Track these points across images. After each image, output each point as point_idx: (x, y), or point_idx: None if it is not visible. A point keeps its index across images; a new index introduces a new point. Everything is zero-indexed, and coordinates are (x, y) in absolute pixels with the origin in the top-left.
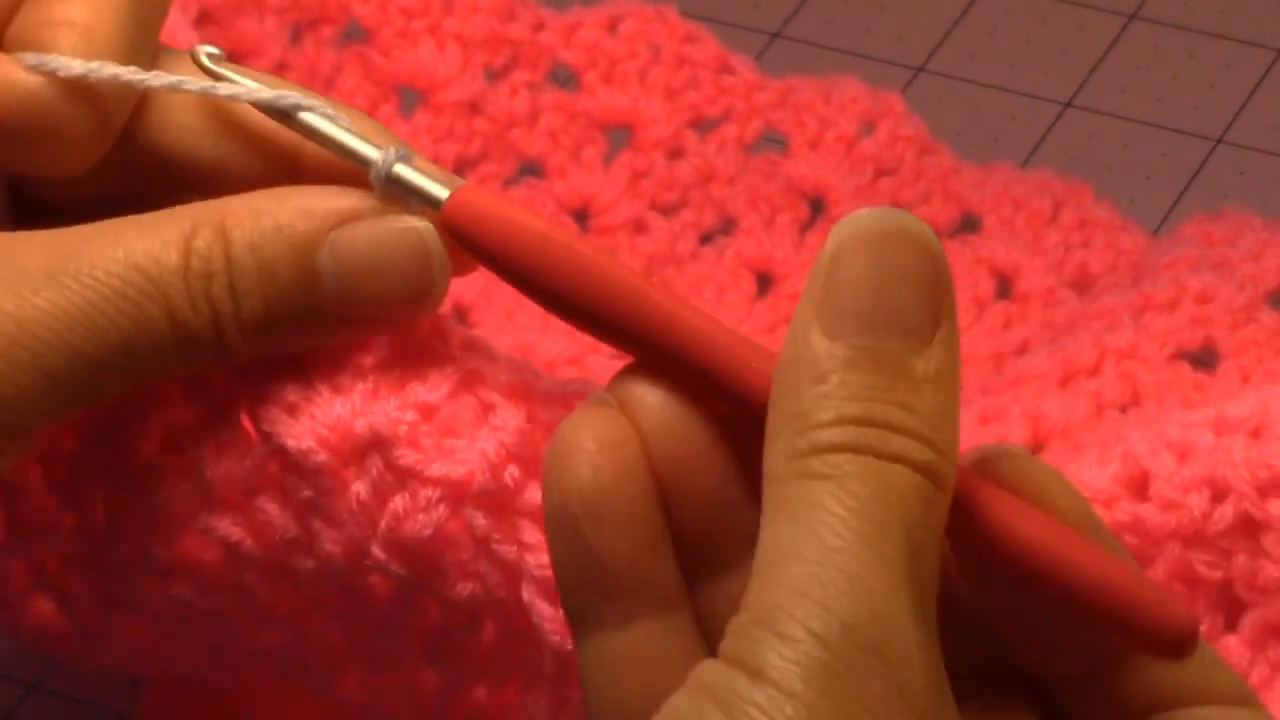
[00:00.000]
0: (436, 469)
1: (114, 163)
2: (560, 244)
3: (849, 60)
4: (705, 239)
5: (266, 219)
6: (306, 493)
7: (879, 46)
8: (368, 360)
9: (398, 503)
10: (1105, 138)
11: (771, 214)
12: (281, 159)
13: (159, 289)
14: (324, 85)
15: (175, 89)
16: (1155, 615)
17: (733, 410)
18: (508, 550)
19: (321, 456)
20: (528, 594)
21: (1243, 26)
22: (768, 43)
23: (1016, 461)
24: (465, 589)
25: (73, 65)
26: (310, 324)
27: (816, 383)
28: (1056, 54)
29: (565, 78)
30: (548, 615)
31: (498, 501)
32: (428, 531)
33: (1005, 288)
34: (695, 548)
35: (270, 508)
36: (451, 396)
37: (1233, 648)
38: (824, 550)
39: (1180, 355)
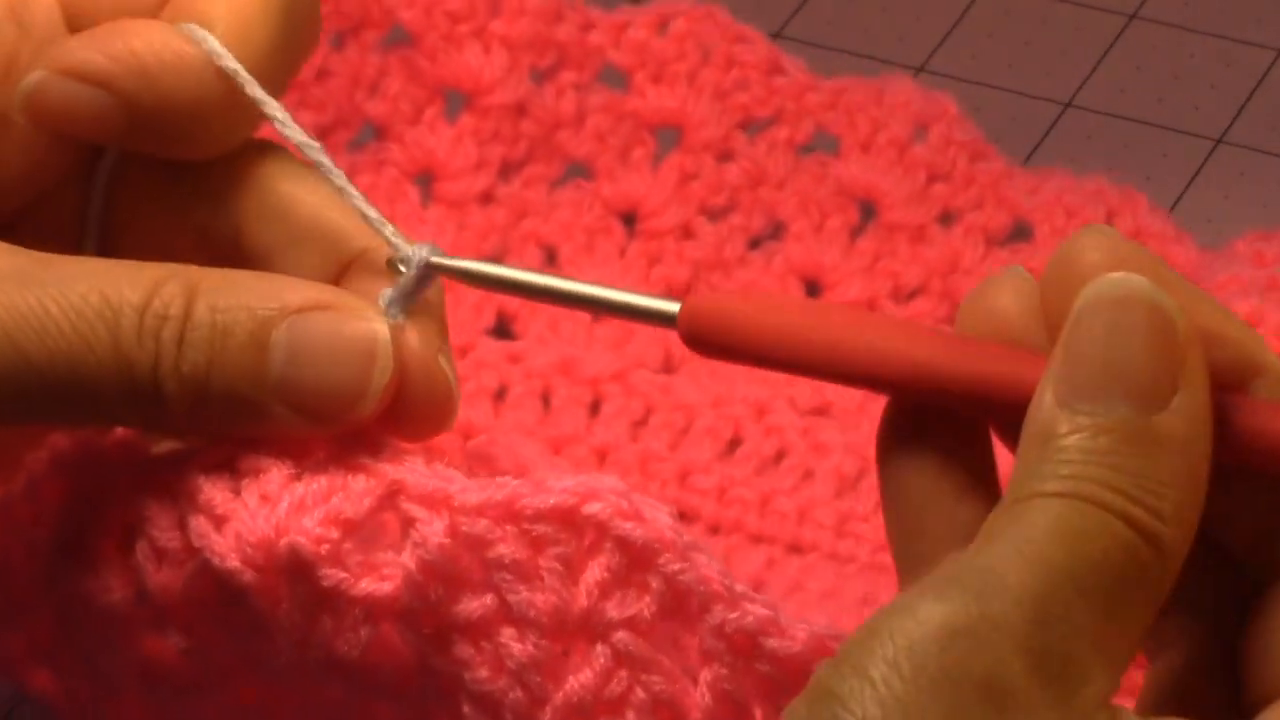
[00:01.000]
0: (362, 588)
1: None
2: (809, 329)
3: (849, 60)
4: (754, 243)
5: (237, 290)
6: (240, 610)
7: (879, 46)
8: (295, 468)
9: (325, 622)
10: (1105, 138)
11: (821, 218)
12: (330, 268)
13: (113, 314)
14: (368, 90)
15: (283, 127)
16: None
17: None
18: (444, 663)
19: (248, 576)
20: (468, 709)
21: (1243, 26)
22: None
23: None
24: (412, 694)
25: (225, 56)
26: (248, 399)
27: (1041, 446)
28: (1056, 54)
29: (615, 78)
30: None
31: (426, 618)
32: (357, 652)
33: None
34: None
35: (210, 621)
36: (374, 510)
37: None
38: (976, 563)
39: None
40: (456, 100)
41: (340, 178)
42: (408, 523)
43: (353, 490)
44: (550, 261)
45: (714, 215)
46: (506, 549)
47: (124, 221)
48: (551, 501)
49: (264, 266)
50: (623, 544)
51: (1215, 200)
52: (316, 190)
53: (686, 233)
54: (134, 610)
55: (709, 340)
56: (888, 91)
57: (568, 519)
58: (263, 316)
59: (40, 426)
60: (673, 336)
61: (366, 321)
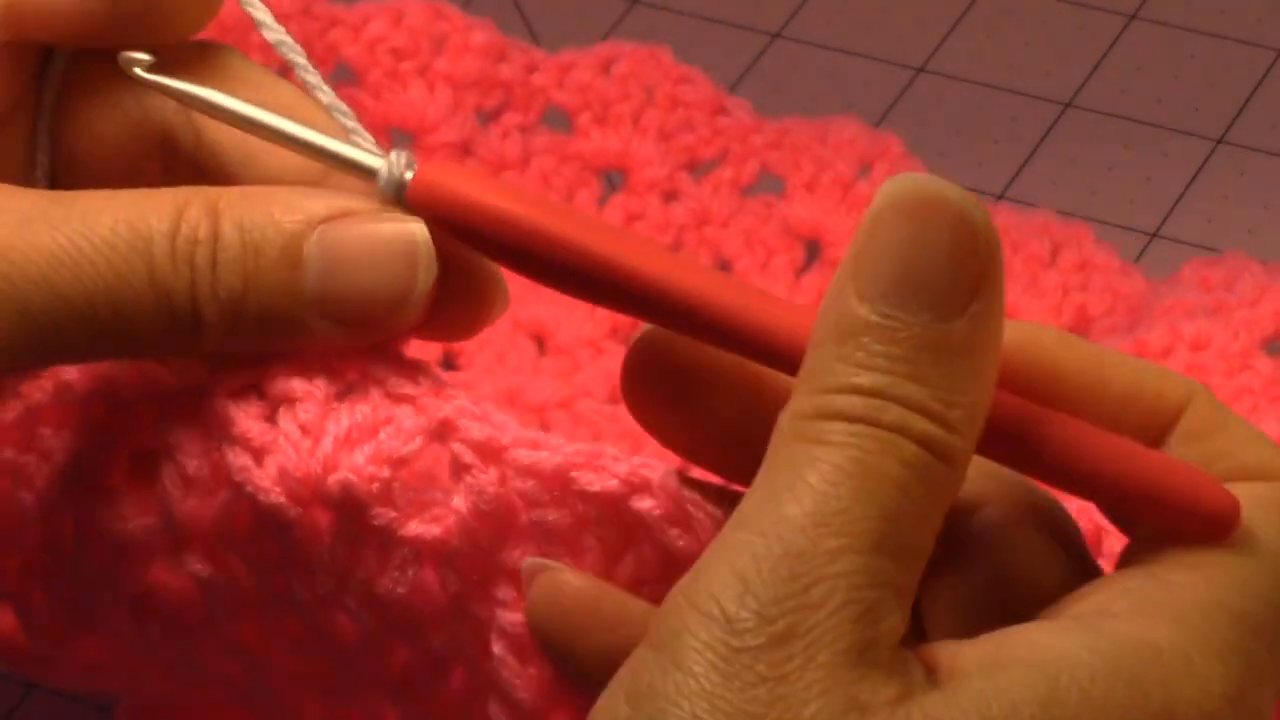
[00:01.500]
0: (411, 529)
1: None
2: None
3: (849, 60)
4: None
5: (259, 206)
6: (277, 542)
7: (879, 46)
8: (327, 391)
9: (371, 560)
10: (1105, 138)
11: (767, 257)
12: (306, 172)
13: (145, 245)
14: None
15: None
16: (1201, 503)
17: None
18: (481, 607)
19: (292, 512)
20: (499, 649)
21: (1243, 26)
22: (768, 43)
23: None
24: (436, 640)
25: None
26: (286, 316)
27: (839, 344)
28: (1056, 54)
29: (559, 119)
30: (516, 672)
31: (472, 562)
32: (401, 590)
33: None
34: None
35: (239, 550)
36: (424, 448)
37: None
38: (776, 520)
39: None
40: (401, 139)
41: (312, 74)
42: (461, 467)
43: (402, 427)
44: None
45: None
46: (553, 515)
47: (72, 149)
48: (600, 488)
49: (230, 177)
50: (664, 549)
51: (1215, 200)
52: (285, 92)
53: None
54: (149, 539)
55: (435, 207)
56: (832, 131)
57: (615, 508)
58: (291, 230)
59: (78, 363)
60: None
61: (401, 222)
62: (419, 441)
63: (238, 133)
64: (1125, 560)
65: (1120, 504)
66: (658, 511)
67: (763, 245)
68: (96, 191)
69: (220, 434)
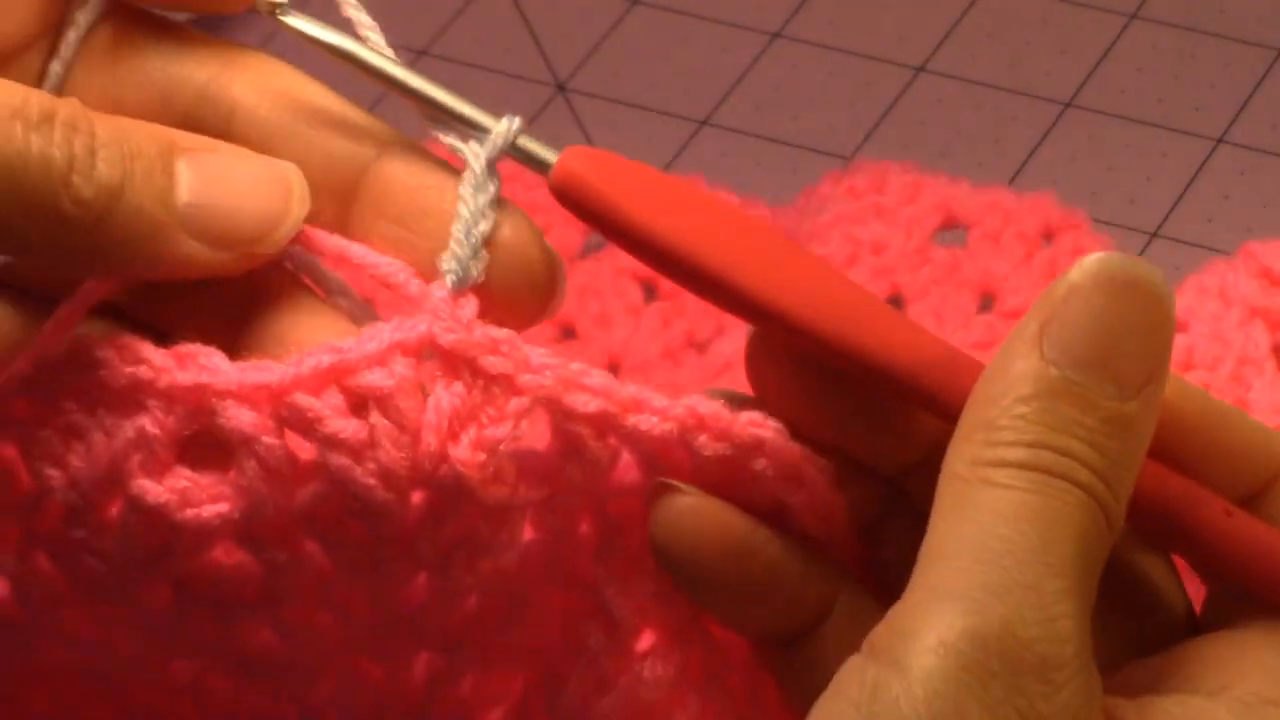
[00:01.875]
0: (520, 497)
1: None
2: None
3: (849, 60)
4: None
5: (129, 122)
6: (367, 525)
7: (879, 46)
8: (423, 377)
9: (481, 532)
10: (1105, 138)
11: None
12: (342, 169)
13: (24, 112)
14: None
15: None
16: None
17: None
18: (576, 546)
19: (388, 496)
20: (600, 571)
21: (1243, 26)
22: (768, 43)
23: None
24: (520, 586)
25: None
26: (154, 222)
27: (1018, 401)
28: (1056, 54)
29: None
30: (620, 589)
31: (572, 506)
32: (510, 553)
33: (650, 290)
34: None
35: (320, 536)
36: (526, 426)
37: None
38: (992, 552)
39: None
40: None
41: (381, 48)
42: (569, 437)
43: (505, 411)
44: None
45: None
46: (664, 465)
47: (94, 81)
48: (712, 452)
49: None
50: (778, 503)
51: (1215, 200)
52: (321, 87)
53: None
54: (215, 522)
55: (575, 197)
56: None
57: (730, 465)
58: (165, 144)
59: None
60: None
61: (273, 161)
62: (524, 426)
63: (275, 114)
64: (1216, 612)
65: (1230, 574)
66: (771, 471)
67: None
68: None
69: (309, 428)
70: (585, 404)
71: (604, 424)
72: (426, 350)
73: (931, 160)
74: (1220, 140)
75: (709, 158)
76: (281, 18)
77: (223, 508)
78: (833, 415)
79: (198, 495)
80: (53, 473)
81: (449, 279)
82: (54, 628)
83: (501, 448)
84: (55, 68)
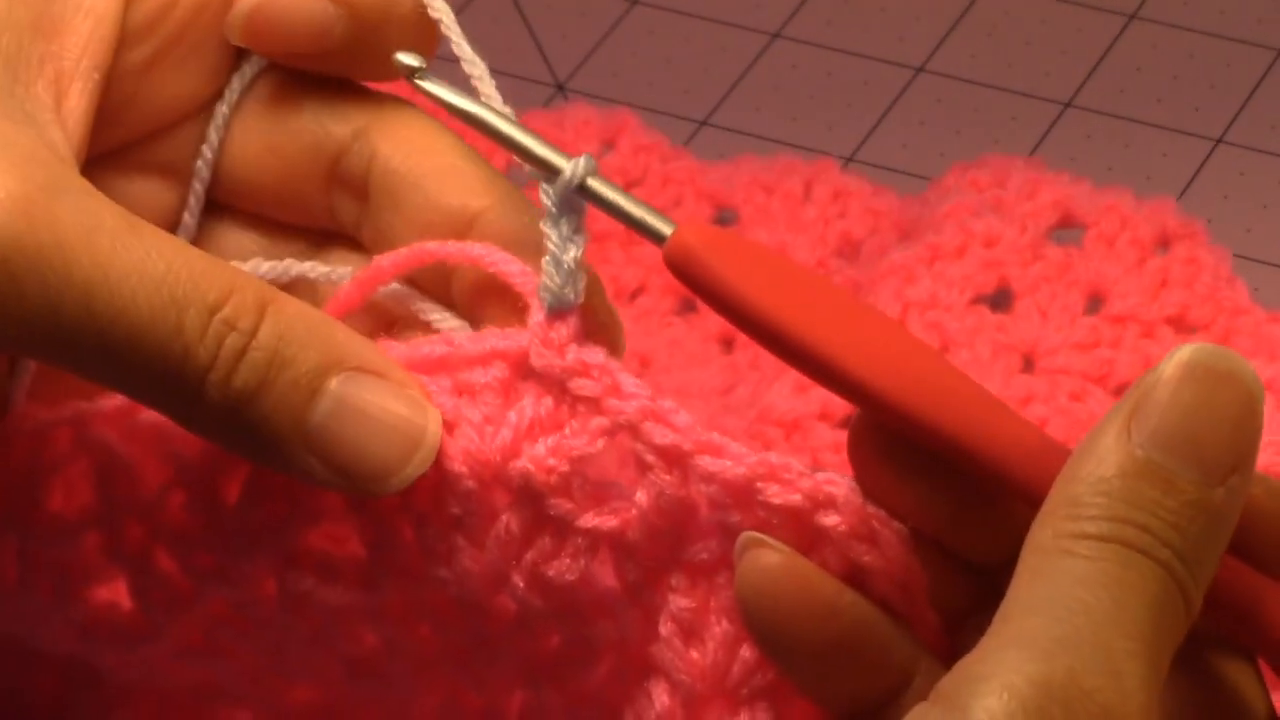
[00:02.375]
0: (588, 520)
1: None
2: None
3: (849, 60)
4: None
5: (303, 325)
6: (454, 510)
7: (879, 46)
8: (518, 384)
9: (546, 545)
10: (1105, 138)
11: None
12: (453, 220)
13: (184, 303)
14: None
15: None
16: None
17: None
18: (653, 593)
19: (471, 484)
20: (666, 630)
21: (1243, 26)
22: (767, 43)
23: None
24: (597, 626)
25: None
26: (280, 435)
27: (1103, 479)
28: (1056, 54)
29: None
30: (681, 654)
31: (649, 552)
32: (571, 577)
33: None
34: None
35: (414, 513)
36: (606, 448)
37: None
38: (1067, 610)
39: (979, 299)
40: None
41: (493, 97)
42: (644, 466)
43: (587, 425)
44: None
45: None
46: (736, 517)
47: (243, 155)
48: (783, 501)
49: (392, 209)
50: (849, 563)
51: (1215, 200)
52: (451, 138)
53: None
54: (324, 494)
55: (691, 273)
56: (568, 116)
57: (799, 520)
58: (323, 360)
59: (86, 379)
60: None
61: (421, 408)
62: (600, 444)
63: (405, 167)
64: None
65: None
66: (843, 527)
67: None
68: (169, 236)
69: None
70: (662, 436)
71: (676, 458)
72: (524, 363)
73: (931, 160)
74: (1220, 140)
75: (709, 158)
76: (418, 81)
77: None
78: (929, 502)
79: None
80: (180, 453)
81: (545, 303)
82: (170, 635)
83: (575, 458)
84: (221, 109)
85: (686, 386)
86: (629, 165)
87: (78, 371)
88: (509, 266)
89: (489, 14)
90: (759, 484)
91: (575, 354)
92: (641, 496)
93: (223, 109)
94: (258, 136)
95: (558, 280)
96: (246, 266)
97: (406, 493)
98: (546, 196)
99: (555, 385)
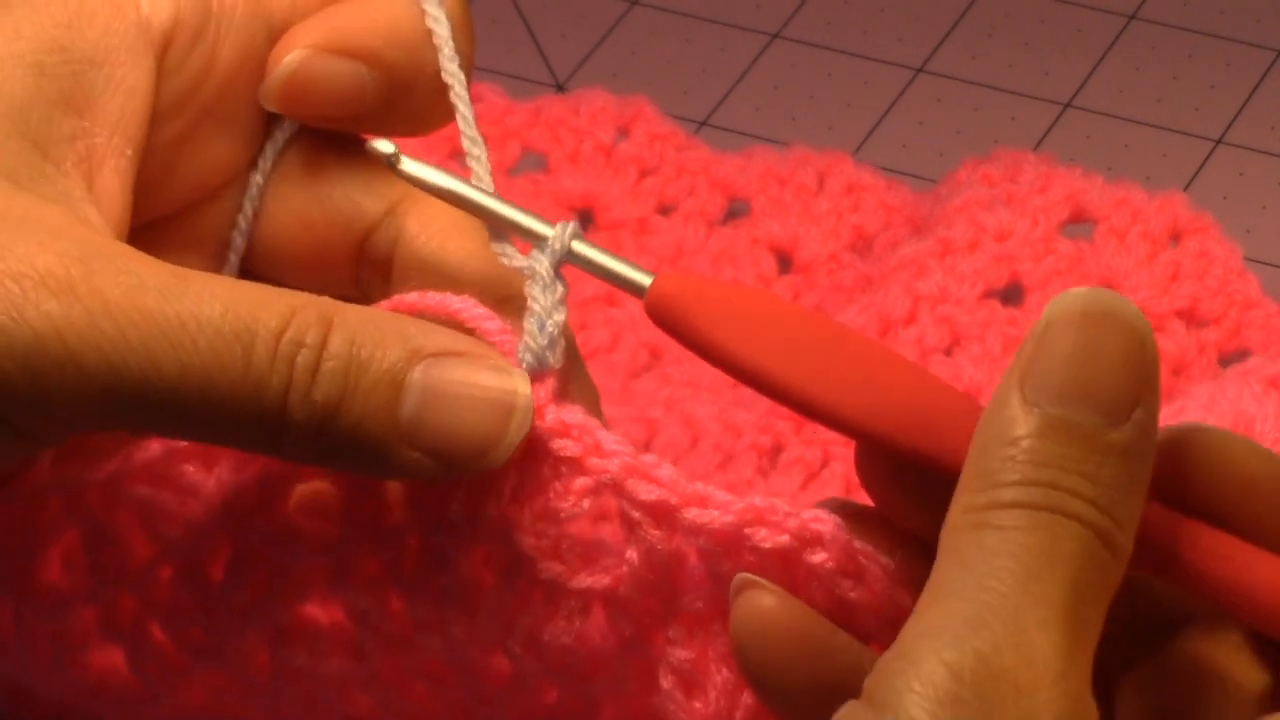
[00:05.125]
0: (580, 581)
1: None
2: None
3: (849, 60)
4: None
5: (373, 325)
6: (442, 580)
7: (879, 46)
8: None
9: (538, 607)
10: (1105, 138)
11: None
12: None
13: (249, 336)
14: None
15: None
16: None
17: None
18: (650, 647)
19: (460, 556)
20: (668, 683)
21: (1243, 26)
22: (767, 43)
23: (1203, 434)
24: (594, 682)
25: (445, 34)
26: (376, 437)
27: (1007, 445)
28: (1056, 54)
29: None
30: (684, 705)
31: (644, 606)
32: (568, 639)
33: (785, 262)
34: None
35: (403, 585)
36: (591, 508)
37: None
38: (978, 590)
39: (990, 294)
40: None
41: (484, 179)
42: (631, 522)
43: (570, 486)
44: None
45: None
46: (726, 565)
47: (276, 224)
48: (772, 544)
49: (417, 280)
50: (837, 599)
51: (1215, 200)
52: (473, 226)
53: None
54: (312, 569)
55: (671, 321)
56: (583, 102)
57: (787, 560)
58: (401, 354)
59: (159, 437)
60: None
61: (507, 374)
62: (586, 504)
63: (428, 249)
64: None
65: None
66: (830, 564)
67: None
68: (218, 276)
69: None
70: (648, 492)
71: (663, 513)
72: None
73: (930, 159)
74: (1220, 140)
75: None
76: (400, 167)
77: (314, 551)
78: (940, 516)
79: (295, 542)
80: (167, 531)
81: (524, 364)
82: (169, 697)
83: (562, 520)
84: (255, 179)
85: (697, 379)
86: (644, 154)
87: (151, 432)
88: (488, 324)
89: (489, 14)
90: (747, 530)
91: (555, 414)
92: (632, 554)
93: (257, 178)
94: (291, 208)
95: (540, 342)
96: None
97: (392, 562)
98: (538, 264)
99: (537, 447)
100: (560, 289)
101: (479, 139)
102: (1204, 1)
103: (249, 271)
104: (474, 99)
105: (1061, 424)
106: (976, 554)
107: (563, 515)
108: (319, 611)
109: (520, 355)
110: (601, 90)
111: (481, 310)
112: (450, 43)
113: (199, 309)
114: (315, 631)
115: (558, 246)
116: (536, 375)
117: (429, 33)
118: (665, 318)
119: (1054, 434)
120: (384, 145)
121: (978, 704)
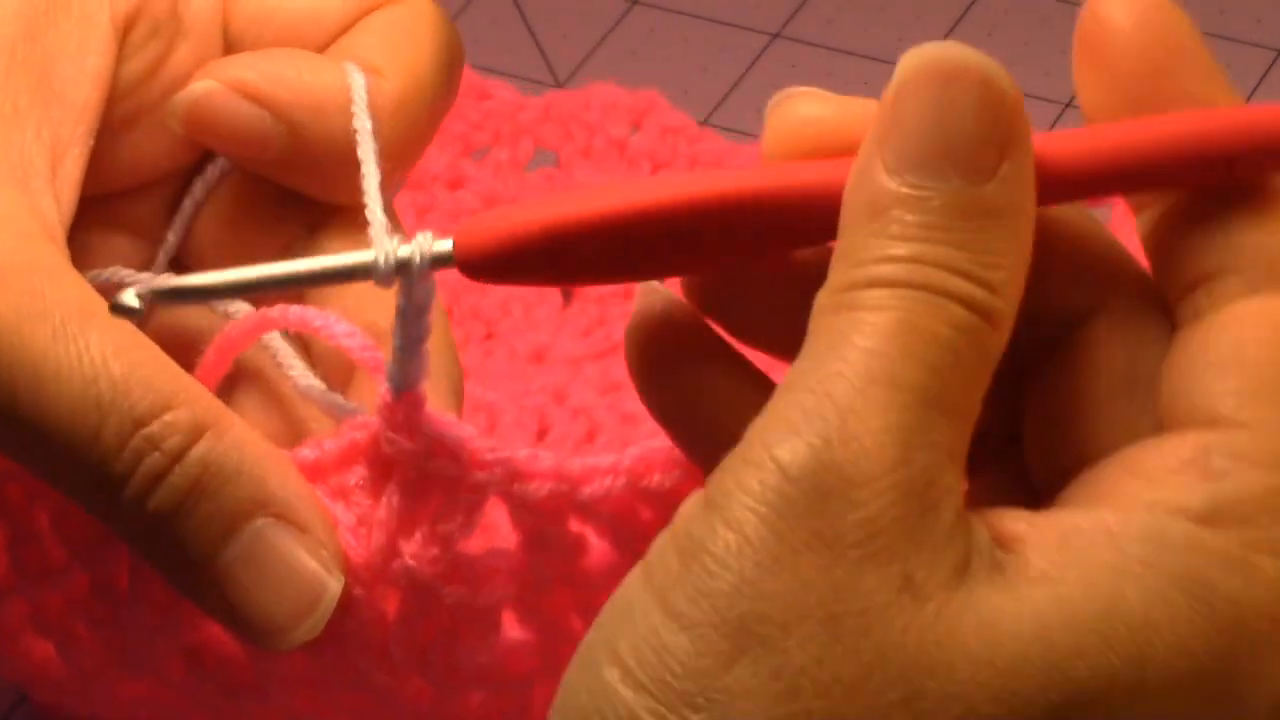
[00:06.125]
0: (487, 597)
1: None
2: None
3: (849, 60)
4: None
5: (237, 457)
6: (349, 625)
7: (879, 46)
8: (380, 476)
9: (449, 633)
10: None
11: None
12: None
13: (101, 412)
14: None
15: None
16: None
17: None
18: (569, 635)
19: (358, 591)
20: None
21: (1243, 26)
22: (768, 42)
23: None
24: (515, 670)
25: (361, 112)
26: (190, 562)
27: (871, 219)
28: (1056, 54)
29: None
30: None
31: (552, 601)
32: (485, 657)
33: None
34: None
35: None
36: (476, 520)
37: None
38: (822, 377)
39: None
40: None
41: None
42: (525, 526)
43: (457, 505)
44: None
45: None
46: (628, 530)
47: (199, 231)
48: (670, 487)
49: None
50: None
51: None
52: None
53: None
54: None
55: (487, 262)
56: (594, 96)
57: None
58: (246, 501)
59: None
60: None
61: (327, 566)
62: (475, 518)
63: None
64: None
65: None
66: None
67: None
68: (128, 329)
69: None
70: (536, 490)
71: (559, 505)
72: (381, 453)
73: None
74: None
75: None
76: (163, 305)
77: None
78: (713, 418)
79: None
80: (73, 539)
81: (390, 386)
82: (105, 692)
83: (456, 542)
84: (198, 182)
85: None
86: (657, 148)
87: (4, 453)
88: (350, 341)
89: (489, 14)
90: (643, 484)
91: (427, 430)
92: (533, 554)
93: (199, 181)
94: (223, 211)
95: (406, 364)
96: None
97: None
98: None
99: (415, 469)
100: (423, 302)
101: (383, 221)
102: (1204, 1)
103: (178, 260)
104: (482, 97)
105: (924, 192)
106: (827, 339)
107: (454, 537)
108: (221, 634)
109: (388, 375)
110: (611, 84)
111: (343, 326)
112: (367, 121)
113: (76, 362)
114: (227, 654)
115: (391, 262)
116: (401, 394)
117: (350, 103)
118: (479, 259)
119: (915, 203)
120: (127, 299)
121: (805, 502)
